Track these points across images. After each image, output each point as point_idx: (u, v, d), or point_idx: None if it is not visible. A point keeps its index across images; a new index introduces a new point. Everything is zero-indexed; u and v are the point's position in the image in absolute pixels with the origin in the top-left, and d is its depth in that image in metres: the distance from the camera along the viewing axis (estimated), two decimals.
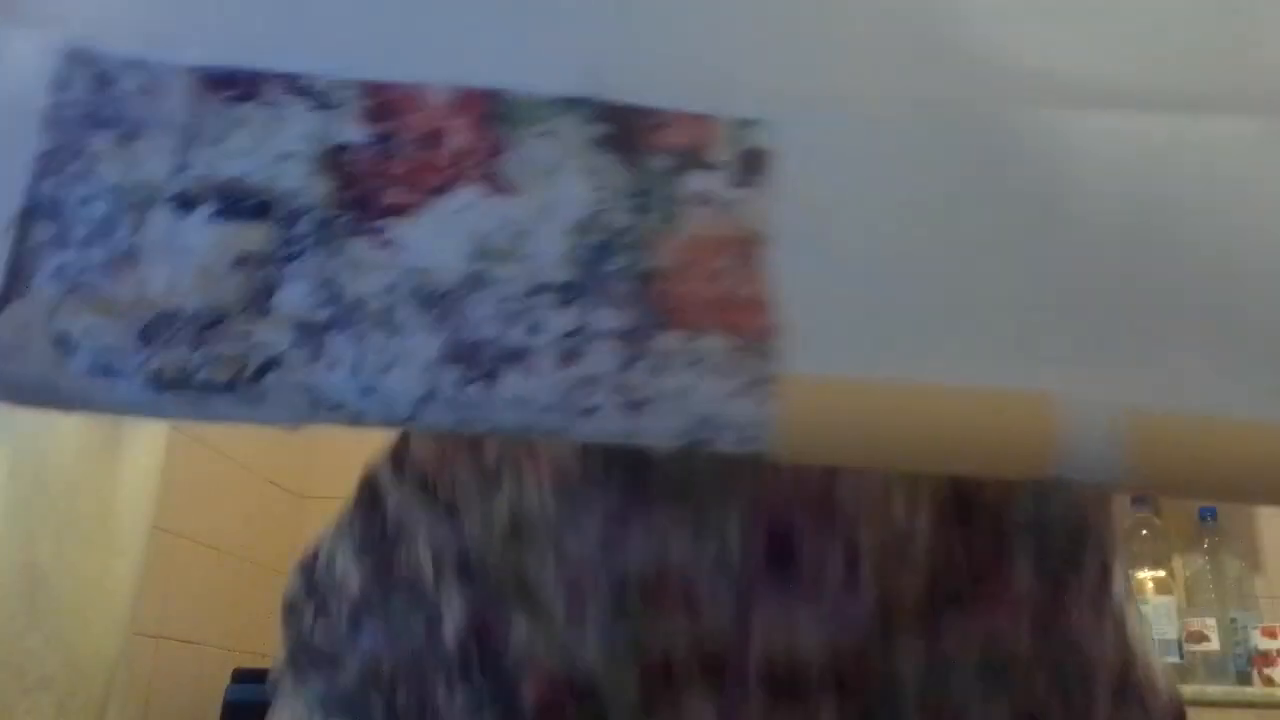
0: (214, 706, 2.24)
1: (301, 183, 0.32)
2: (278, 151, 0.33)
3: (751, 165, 0.32)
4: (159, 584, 2.09)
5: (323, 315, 0.31)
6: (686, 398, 0.30)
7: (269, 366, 0.31)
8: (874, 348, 0.31)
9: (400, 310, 0.31)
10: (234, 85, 0.33)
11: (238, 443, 2.61)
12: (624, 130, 0.32)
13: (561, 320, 0.31)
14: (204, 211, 0.32)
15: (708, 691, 0.47)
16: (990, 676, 0.48)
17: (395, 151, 0.33)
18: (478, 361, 0.31)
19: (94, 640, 1.51)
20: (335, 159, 0.33)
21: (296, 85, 0.33)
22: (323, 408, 0.31)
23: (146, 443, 1.72)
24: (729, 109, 0.32)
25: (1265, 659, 2.28)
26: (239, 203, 0.32)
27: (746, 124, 0.32)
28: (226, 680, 2.28)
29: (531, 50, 0.34)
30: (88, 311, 0.32)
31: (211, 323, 0.31)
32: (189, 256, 0.32)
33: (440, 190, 0.32)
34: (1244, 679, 2.31)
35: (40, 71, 0.33)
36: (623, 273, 0.31)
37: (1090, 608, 0.52)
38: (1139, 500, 2.54)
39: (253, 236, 0.32)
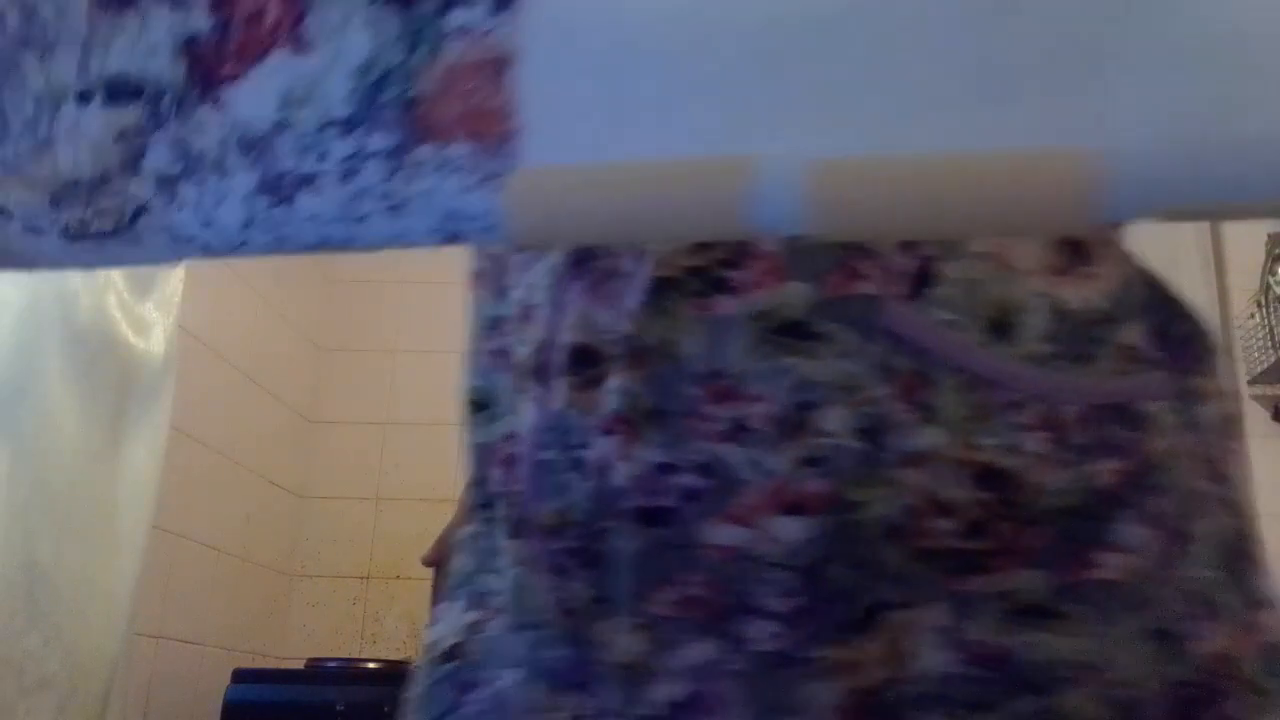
0: (214, 706, 2.27)
1: (164, 69, 0.42)
2: (147, 47, 0.42)
3: None
4: (159, 584, 2.14)
5: (176, 169, 0.41)
6: (433, 197, 0.37)
7: (139, 213, 0.41)
8: (603, 137, 0.37)
9: (229, 157, 0.40)
10: (117, 1, 0.43)
11: (238, 443, 2.65)
12: None
13: (342, 147, 0.39)
14: (97, 101, 0.42)
15: None
16: None
17: (230, 33, 0.41)
18: (280, 188, 0.39)
19: (94, 640, 1.55)
20: (188, 46, 0.42)
21: None
22: (180, 242, 0.41)
23: (146, 443, 1.74)
24: None
25: None
26: (120, 91, 0.42)
27: None
28: (226, 680, 2.31)
29: None
30: (19, 188, 0.42)
31: (99, 184, 0.41)
32: (86, 137, 0.42)
33: (260, 58, 0.40)
34: None
35: None
36: (392, 102, 0.38)
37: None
38: None
39: (129, 115, 0.42)
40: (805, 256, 0.54)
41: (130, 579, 1.64)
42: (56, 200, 0.41)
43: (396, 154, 0.38)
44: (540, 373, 0.59)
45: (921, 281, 0.54)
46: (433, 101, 0.38)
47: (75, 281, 1.49)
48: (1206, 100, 0.32)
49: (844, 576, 0.52)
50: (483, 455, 0.64)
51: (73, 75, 0.42)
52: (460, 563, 0.68)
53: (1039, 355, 0.54)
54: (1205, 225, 2.56)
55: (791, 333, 0.53)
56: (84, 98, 0.42)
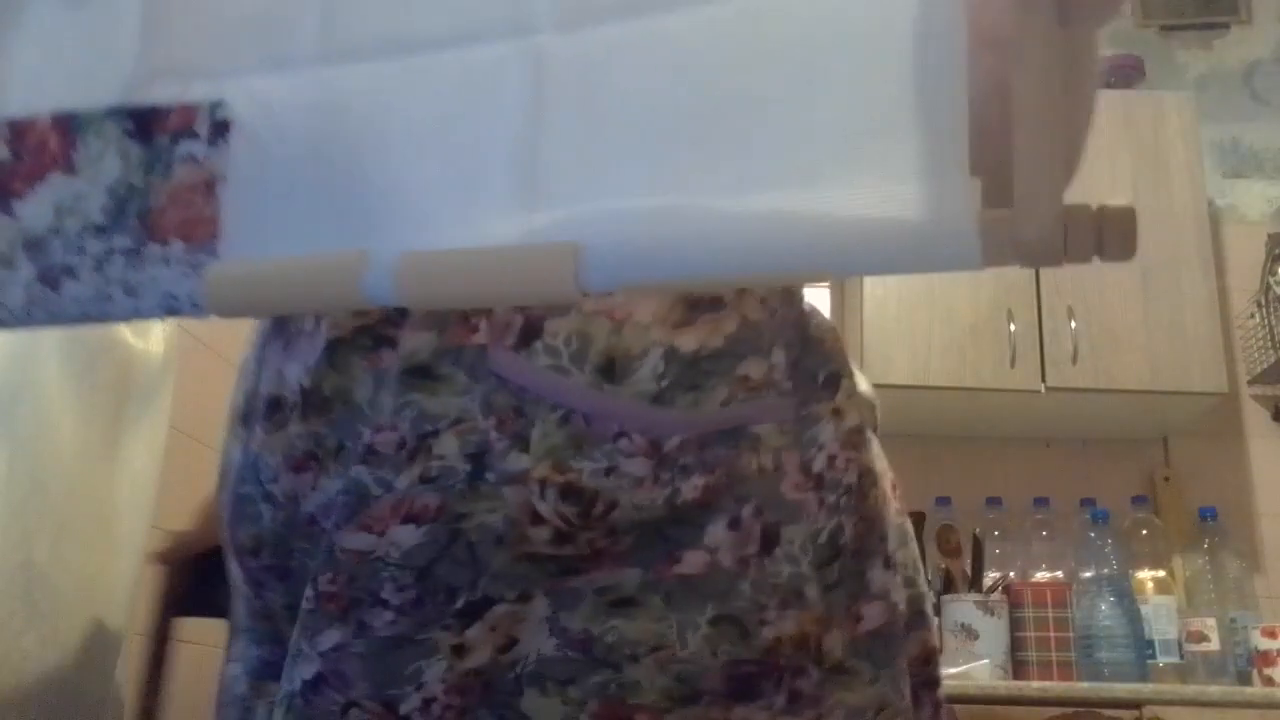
0: (214, 705, 2.26)
1: None
2: None
3: (218, 131, 0.52)
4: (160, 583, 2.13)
5: None
6: (157, 282, 0.51)
7: None
8: (276, 239, 0.50)
9: (17, 254, 0.53)
10: None
11: None
12: (143, 124, 0.53)
13: (97, 246, 0.52)
14: None
15: None
16: None
17: (22, 158, 0.54)
18: (51, 278, 0.52)
19: (92, 640, 1.55)
20: None
21: None
22: None
23: (146, 443, 1.74)
24: (206, 95, 0.52)
25: (1265, 659, 2.27)
26: None
27: (216, 105, 0.52)
28: None
29: (95, 80, 0.54)
30: None
31: None
32: None
33: (41, 178, 0.54)
34: (1244, 679, 2.28)
35: None
36: (133, 212, 0.52)
37: None
38: (1139, 500, 2.57)
39: None
40: (437, 311, 0.67)
41: (129, 579, 1.64)
42: None
43: (133, 252, 0.51)
44: (247, 419, 0.73)
45: (528, 334, 0.65)
46: (161, 212, 0.51)
47: None
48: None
49: (450, 574, 0.63)
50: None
51: None
52: None
53: (650, 393, 0.65)
54: (1205, 226, 2.57)
55: (418, 374, 0.66)
56: None
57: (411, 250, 0.46)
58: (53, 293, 0.51)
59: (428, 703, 0.63)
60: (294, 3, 0.52)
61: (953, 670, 2.22)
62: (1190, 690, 2.13)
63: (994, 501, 2.61)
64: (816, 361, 0.73)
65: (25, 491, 1.42)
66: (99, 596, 1.57)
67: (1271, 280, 2.59)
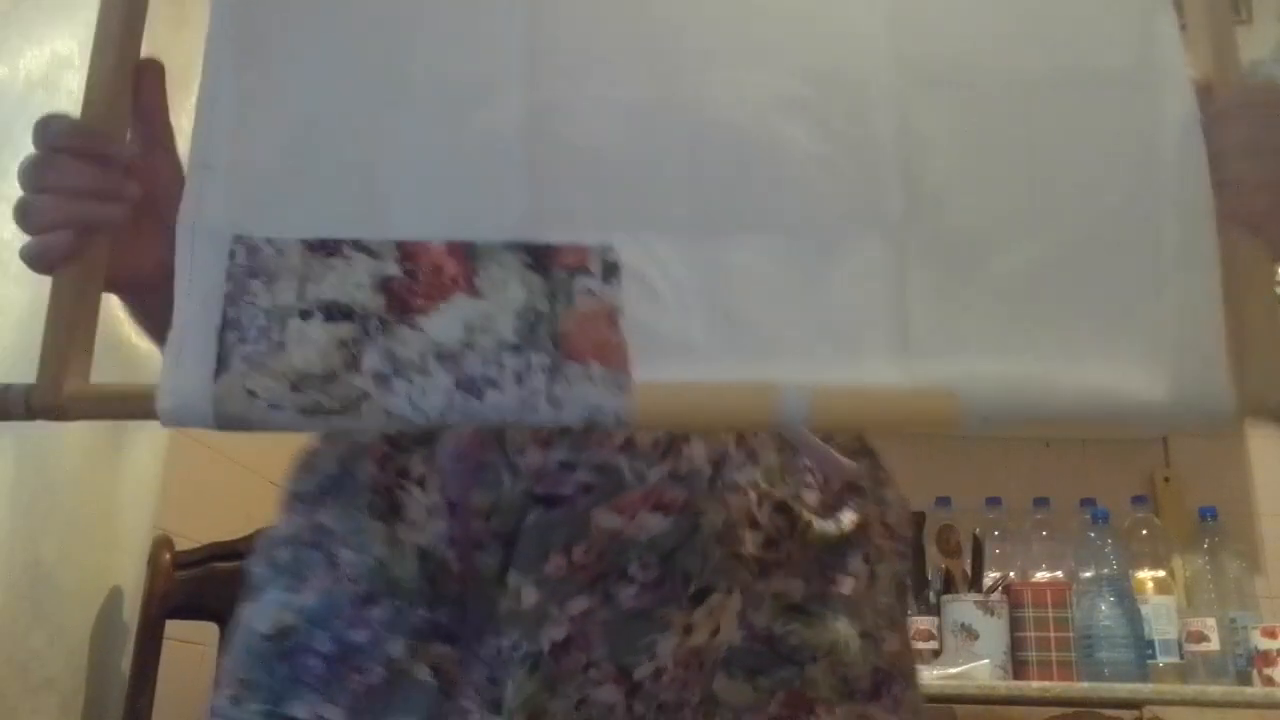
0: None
1: (368, 299, 0.62)
2: (354, 283, 0.62)
3: (610, 271, 0.62)
4: (159, 583, 2.12)
5: (387, 369, 0.61)
6: (584, 397, 0.60)
7: (362, 399, 0.61)
8: (680, 367, 0.60)
9: (429, 363, 0.61)
10: (325, 248, 0.63)
11: (238, 443, 2.63)
12: (540, 259, 0.62)
13: (515, 362, 0.60)
14: (317, 319, 0.62)
15: None
16: None
17: (418, 278, 0.62)
18: (472, 387, 0.60)
19: (98, 640, 1.56)
20: (385, 284, 0.62)
21: (359, 245, 0.63)
22: (392, 418, 0.61)
23: (148, 443, 1.74)
24: (597, 240, 0.62)
25: (1265, 659, 2.31)
26: (336, 312, 0.62)
27: (606, 248, 0.62)
28: None
29: (488, 215, 0.63)
30: (263, 377, 0.61)
31: (328, 378, 0.61)
32: (313, 344, 0.62)
33: (445, 298, 0.62)
34: (1244, 679, 2.34)
35: (220, 248, 0.64)
36: (545, 335, 0.60)
37: None
38: (1139, 500, 2.59)
39: (345, 330, 0.62)
40: None
41: (133, 578, 1.65)
42: (295, 387, 0.61)
43: (553, 368, 0.60)
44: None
45: None
46: (573, 336, 0.60)
47: None
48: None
49: (687, 561, 0.75)
50: (361, 451, 0.81)
51: (293, 298, 0.62)
52: (273, 557, 0.84)
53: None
54: None
55: None
56: (305, 315, 0.62)
57: (821, 385, 0.59)
58: (475, 400, 0.60)
59: (659, 672, 0.74)
60: (670, 169, 0.63)
61: (953, 670, 2.24)
62: (1190, 690, 2.15)
63: (994, 501, 2.65)
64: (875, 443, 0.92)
65: (33, 492, 1.41)
66: (104, 595, 1.58)
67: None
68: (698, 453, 0.77)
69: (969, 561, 2.50)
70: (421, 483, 0.78)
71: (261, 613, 0.81)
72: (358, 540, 0.79)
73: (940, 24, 0.65)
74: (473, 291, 0.61)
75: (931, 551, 2.55)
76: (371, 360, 0.61)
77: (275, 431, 0.62)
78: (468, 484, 0.77)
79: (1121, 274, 0.61)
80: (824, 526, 0.81)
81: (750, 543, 0.77)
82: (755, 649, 0.77)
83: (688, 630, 0.74)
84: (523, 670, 0.73)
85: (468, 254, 0.62)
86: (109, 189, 0.70)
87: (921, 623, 2.42)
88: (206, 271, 0.63)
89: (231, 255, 0.63)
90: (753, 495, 0.78)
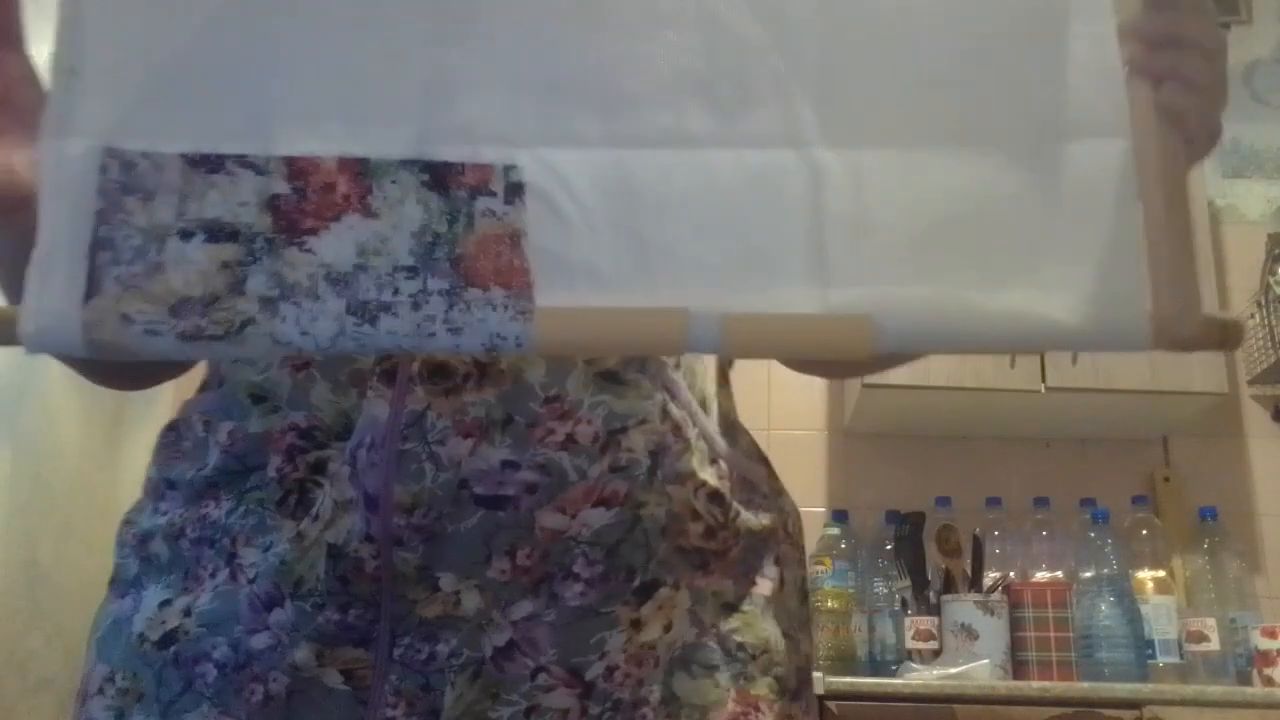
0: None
1: (254, 218, 0.58)
2: (238, 201, 0.58)
3: (513, 192, 0.58)
4: None
5: (274, 293, 0.56)
6: (485, 324, 0.56)
7: (247, 324, 0.56)
8: (586, 293, 0.57)
9: (319, 287, 0.56)
10: (207, 163, 0.58)
11: None
12: (439, 176, 0.58)
13: (411, 286, 0.56)
14: (198, 239, 0.57)
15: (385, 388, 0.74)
16: None
17: (307, 196, 0.58)
18: (366, 312, 0.56)
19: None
20: (272, 202, 0.58)
21: (244, 161, 0.58)
22: (279, 345, 0.57)
23: (147, 443, 1.76)
24: (500, 159, 0.58)
25: (1265, 659, 2.30)
26: (219, 232, 0.58)
27: (509, 168, 0.58)
28: None
29: (384, 131, 0.59)
30: (138, 300, 0.56)
31: (210, 301, 0.56)
32: (193, 265, 0.57)
33: (336, 218, 0.58)
34: (1244, 679, 2.34)
35: (91, 162, 0.58)
36: (443, 257, 0.57)
37: None
38: (1139, 500, 2.59)
39: (229, 251, 0.57)
40: None
41: None
42: (174, 311, 0.56)
43: (451, 294, 0.56)
44: (387, 377, 0.74)
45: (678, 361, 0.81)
46: (473, 259, 0.57)
47: None
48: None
49: (631, 555, 0.74)
50: (260, 442, 0.77)
51: (171, 217, 0.58)
52: (147, 551, 0.79)
53: (744, 445, 0.87)
54: (1205, 225, 2.59)
55: (608, 378, 0.76)
56: (185, 235, 0.57)
57: (733, 312, 0.56)
58: (369, 326, 0.56)
59: (610, 670, 0.72)
60: (577, 86, 0.59)
61: (953, 670, 2.23)
62: (1190, 690, 2.14)
63: (994, 501, 2.64)
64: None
65: (29, 491, 1.44)
66: (102, 595, 1.59)
67: (1271, 280, 2.61)
68: (636, 443, 0.75)
69: (969, 561, 2.49)
70: (333, 477, 0.73)
71: (142, 613, 0.76)
72: (261, 539, 0.74)
73: None
74: (366, 211, 0.57)
75: (931, 551, 2.54)
76: (257, 283, 0.56)
77: (152, 359, 0.57)
78: (387, 476, 0.72)
79: (1040, 194, 0.60)
80: (748, 519, 0.81)
81: (693, 534, 0.77)
82: (709, 645, 0.76)
83: (636, 625, 0.73)
84: (463, 677, 0.71)
85: (361, 171, 0.58)
86: None
87: (921, 623, 2.41)
88: (75, 187, 0.58)
89: (103, 170, 0.58)
90: (690, 485, 0.77)
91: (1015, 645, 2.35)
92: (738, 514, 0.80)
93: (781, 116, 0.60)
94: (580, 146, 0.59)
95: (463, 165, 0.58)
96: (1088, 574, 2.47)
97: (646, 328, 0.57)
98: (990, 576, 2.48)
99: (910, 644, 2.41)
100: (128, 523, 0.82)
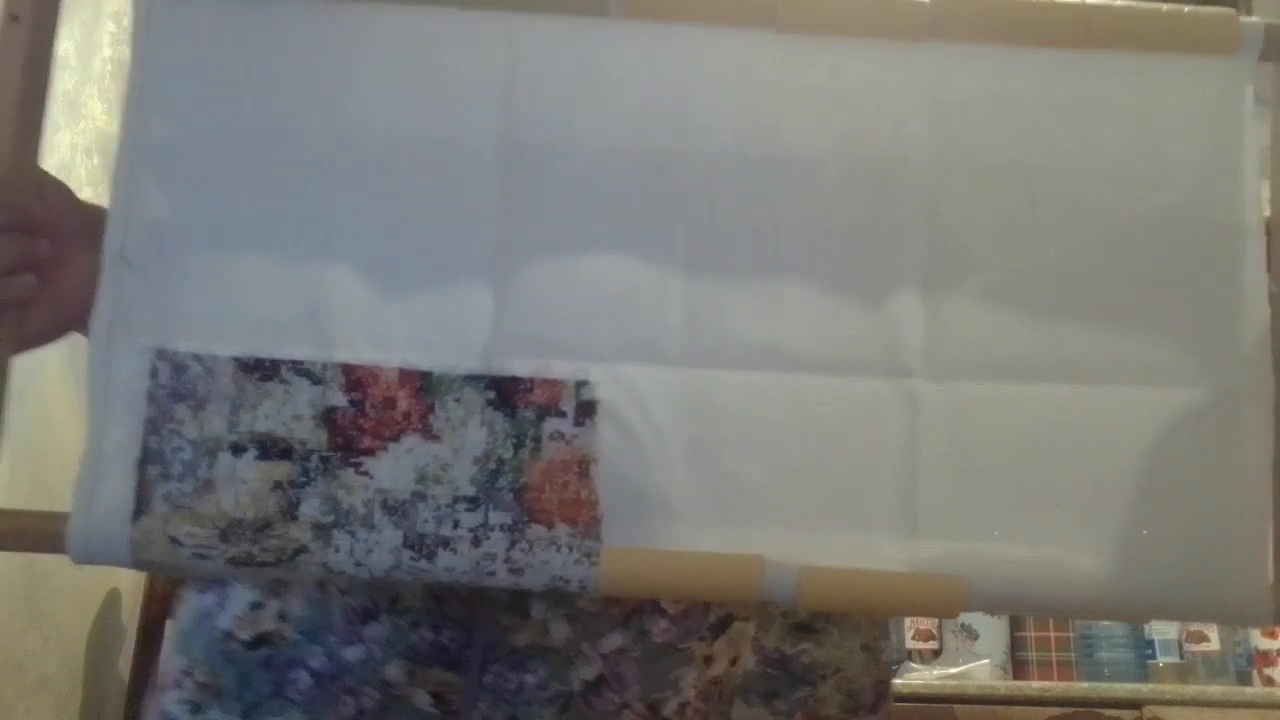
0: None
1: (309, 434, 0.55)
2: (292, 414, 0.55)
3: (584, 411, 0.54)
4: (160, 583, 2.13)
5: (328, 519, 0.54)
6: (548, 566, 0.53)
7: (299, 552, 0.54)
8: (658, 529, 0.53)
9: (375, 515, 0.54)
10: (261, 369, 0.56)
11: None
12: (505, 394, 0.54)
13: (471, 519, 0.53)
14: (250, 454, 0.55)
15: None
16: None
17: (366, 412, 0.55)
18: (423, 546, 0.53)
19: (93, 639, 1.55)
20: (328, 416, 0.55)
21: (300, 368, 0.55)
22: (332, 574, 0.55)
23: None
24: (573, 374, 0.54)
25: (1265, 659, 2.30)
26: (271, 449, 0.55)
27: (581, 384, 0.54)
28: None
29: (448, 344, 0.55)
30: (187, 523, 0.54)
31: (262, 527, 0.54)
32: (245, 485, 0.54)
33: (395, 438, 0.54)
34: (1244, 679, 2.31)
35: (141, 365, 0.55)
36: (507, 488, 0.53)
37: None
38: None
39: (282, 470, 0.54)
40: None
41: (132, 579, 1.65)
42: (224, 536, 0.54)
43: (514, 530, 0.53)
44: None
45: None
46: (538, 490, 0.53)
47: None
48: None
49: None
50: None
51: (223, 429, 0.55)
52: None
53: None
54: None
55: None
56: (237, 450, 0.55)
57: (811, 565, 0.53)
58: (426, 561, 0.53)
59: (682, 706, 0.71)
60: (656, 291, 0.55)
61: (953, 670, 2.24)
62: (1190, 690, 2.15)
63: None
64: None
65: (27, 491, 1.43)
66: (102, 596, 1.59)
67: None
68: None
69: None
70: None
71: (229, 611, 0.73)
72: None
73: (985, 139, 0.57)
74: (427, 432, 0.54)
75: None
76: (310, 507, 0.54)
77: (201, 579, 0.56)
78: None
79: (1174, 448, 0.55)
80: None
81: None
82: (770, 672, 0.75)
83: (707, 661, 0.72)
84: (550, 710, 0.70)
85: (423, 386, 0.54)
86: (20, 261, 0.60)
87: (921, 623, 2.39)
88: (125, 391, 0.55)
89: (154, 373, 0.55)
90: None
91: (1015, 645, 2.35)
92: None
93: (883, 342, 0.56)
94: (658, 362, 0.55)
95: (531, 381, 0.55)
96: None
97: (718, 575, 0.54)
98: None
99: (910, 644, 2.41)
100: None
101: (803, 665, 0.76)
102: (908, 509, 0.54)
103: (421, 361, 0.55)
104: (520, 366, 0.55)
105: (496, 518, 0.53)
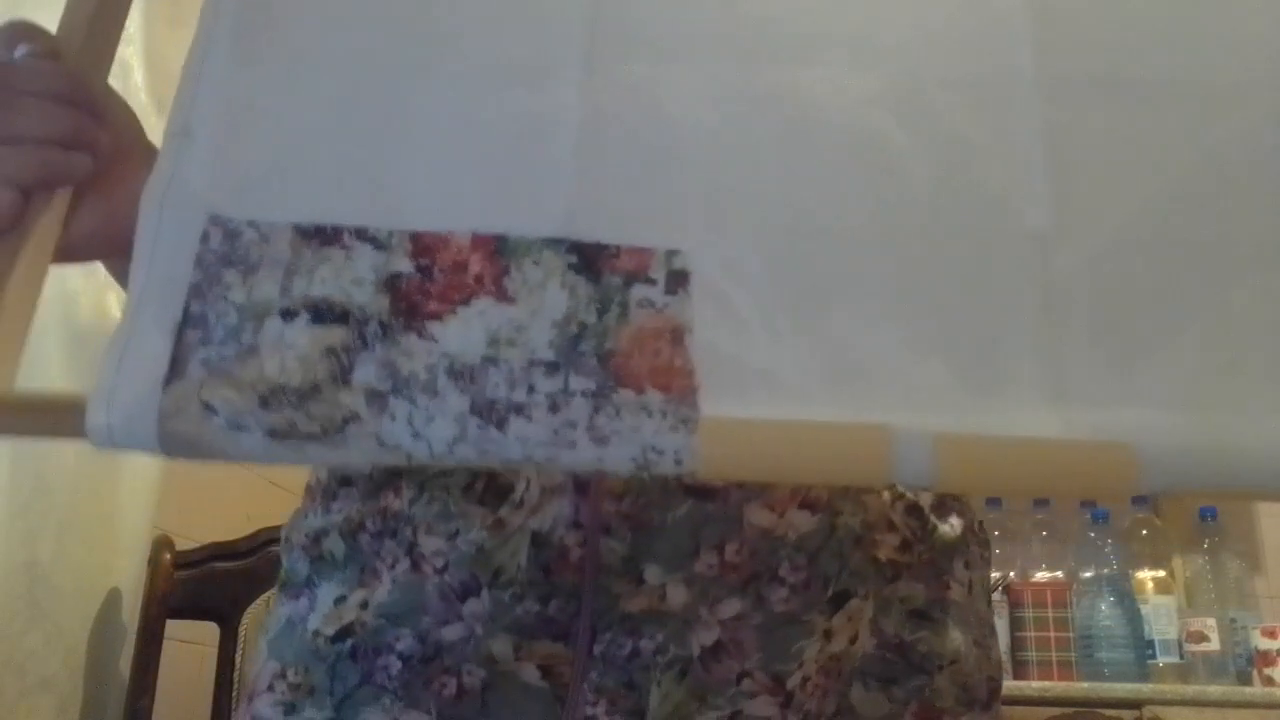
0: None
1: (369, 299, 0.50)
2: (351, 278, 0.51)
3: (676, 280, 0.49)
4: (160, 583, 2.12)
5: (385, 386, 0.49)
6: (637, 433, 0.47)
7: (349, 420, 0.48)
8: (762, 402, 0.48)
9: (439, 381, 0.48)
10: (321, 235, 0.51)
11: None
12: (589, 259, 0.50)
13: (549, 384, 0.48)
14: (302, 319, 0.50)
15: None
16: None
17: (433, 276, 0.50)
18: (493, 413, 0.48)
19: (96, 640, 1.54)
20: (392, 282, 0.50)
21: (364, 234, 0.51)
22: (386, 449, 0.48)
23: None
24: (662, 243, 0.50)
25: (1265, 659, 2.31)
26: (327, 313, 0.50)
27: (672, 253, 0.50)
28: None
29: (525, 205, 0.51)
30: (224, 387, 0.49)
31: (308, 392, 0.49)
32: (292, 350, 0.50)
33: (465, 301, 0.50)
34: (1244, 679, 2.35)
35: (192, 230, 0.52)
36: (590, 353, 0.48)
37: None
38: (1139, 501, 2.60)
39: (337, 335, 0.50)
40: None
41: (132, 579, 1.64)
42: (265, 402, 0.48)
43: (598, 395, 0.48)
44: None
45: None
46: (625, 356, 0.48)
47: (76, 282, 1.49)
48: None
49: (828, 563, 0.71)
50: None
51: (274, 294, 0.51)
52: (320, 549, 0.76)
53: None
54: None
55: None
56: (288, 315, 0.50)
57: (946, 433, 0.46)
58: (495, 430, 0.47)
59: (805, 680, 0.69)
60: (751, 160, 0.52)
61: None
62: (1190, 690, 2.16)
63: (994, 502, 2.64)
64: None
65: (29, 492, 1.42)
66: (102, 596, 1.58)
67: None
68: None
69: None
70: None
71: (318, 611, 0.73)
72: (445, 526, 0.71)
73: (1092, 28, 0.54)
74: (501, 295, 0.49)
75: None
76: (365, 373, 0.49)
77: (231, 461, 0.49)
78: None
79: None
80: (944, 529, 0.78)
81: (886, 546, 0.74)
82: (888, 657, 0.73)
83: (828, 636, 0.71)
84: (669, 676, 0.68)
85: (498, 249, 0.50)
86: (79, 136, 0.57)
87: None
88: (171, 255, 0.51)
89: (205, 238, 0.51)
90: (886, 495, 0.75)
91: (1015, 645, 2.37)
92: (935, 527, 0.77)
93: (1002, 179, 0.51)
94: (758, 233, 0.51)
95: (618, 248, 0.50)
96: (1088, 574, 2.48)
97: (838, 449, 0.47)
98: (990, 576, 2.48)
99: None
100: (294, 528, 0.79)
101: (920, 654, 0.74)
102: (1054, 373, 0.48)
103: (496, 225, 0.51)
104: (606, 234, 0.50)
105: (578, 383, 0.48)
